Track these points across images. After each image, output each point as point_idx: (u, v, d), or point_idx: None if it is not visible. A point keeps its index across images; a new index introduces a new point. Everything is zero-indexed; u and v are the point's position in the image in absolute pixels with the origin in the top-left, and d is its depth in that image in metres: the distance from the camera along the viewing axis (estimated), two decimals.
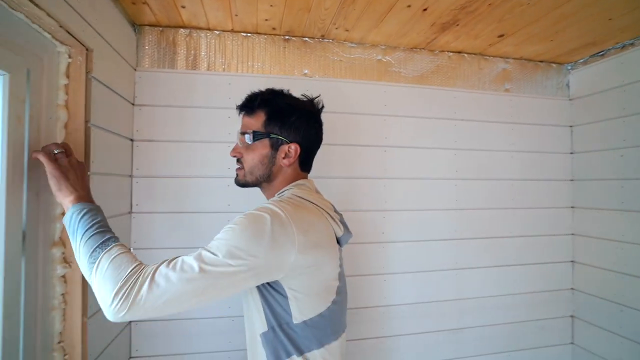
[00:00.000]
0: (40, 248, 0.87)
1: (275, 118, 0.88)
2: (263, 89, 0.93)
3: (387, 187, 1.51)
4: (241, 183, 0.93)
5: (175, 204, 1.32)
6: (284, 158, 0.88)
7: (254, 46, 1.42)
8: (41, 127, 0.88)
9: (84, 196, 0.79)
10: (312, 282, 0.79)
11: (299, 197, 0.84)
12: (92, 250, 0.70)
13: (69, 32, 0.88)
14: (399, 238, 1.52)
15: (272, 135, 0.87)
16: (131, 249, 1.28)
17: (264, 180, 0.91)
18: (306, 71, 1.47)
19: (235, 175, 0.94)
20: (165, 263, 0.69)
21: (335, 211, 0.92)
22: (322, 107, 0.96)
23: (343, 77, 1.50)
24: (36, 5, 0.76)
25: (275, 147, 0.88)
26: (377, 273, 1.49)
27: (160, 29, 1.34)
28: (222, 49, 1.39)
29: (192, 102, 1.34)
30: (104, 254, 0.70)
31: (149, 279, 0.66)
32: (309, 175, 0.97)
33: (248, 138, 0.89)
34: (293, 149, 0.88)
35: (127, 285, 0.66)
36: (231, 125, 1.36)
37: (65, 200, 0.77)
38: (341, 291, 0.86)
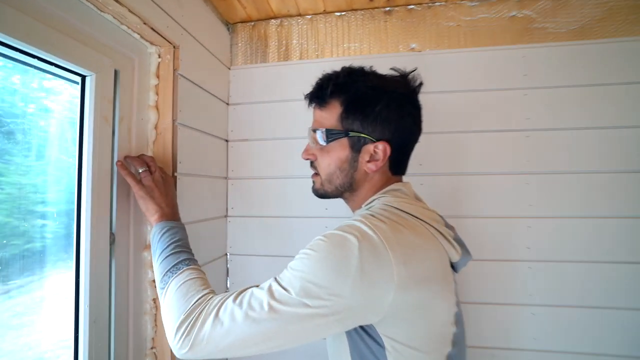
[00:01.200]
0: (131, 251, 0.85)
1: (355, 109, 0.65)
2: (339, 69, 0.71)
3: (532, 185, 1.10)
4: (319, 193, 0.74)
5: (270, 207, 1.22)
6: (368, 162, 0.66)
7: (349, 25, 1.23)
8: (132, 128, 0.87)
9: (167, 213, 0.77)
10: (418, 329, 0.54)
11: (395, 207, 0.61)
12: (163, 273, 0.67)
13: (153, 29, 0.85)
14: (554, 256, 1.08)
15: (352, 134, 0.65)
16: (227, 254, 1.24)
17: (345, 189, 0.70)
18: (414, 45, 1.20)
19: (312, 186, 0.76)
20: (233, 295, 0.57)
21: (447, 225, 0.65)
22: (420, 84, 0.69)
23: (462, 46, 1.17)
24: (119, 3, 0.74)
25: (356, 148, 0.66)
26: (519, 303, 1.09)
27: (252, 23, 1.28)
28: (314, 34, 1.25)
29: (286, 95, 1.23)
30: (174, 278, 0.65)
31: (213, 314, 0.55)
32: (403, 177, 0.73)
33: (321, 137, 0.68)
34: (381, 149, 0.64)
35: (191, 319, 0.56)
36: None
37: (150, 219, 0.77)
38: (459, 340, 0.58)
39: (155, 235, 0.73)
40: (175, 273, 0.65)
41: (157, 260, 0.70)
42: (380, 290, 0.51)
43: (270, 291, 0.54)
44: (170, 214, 0.77)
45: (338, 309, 0.51)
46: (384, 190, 0.67)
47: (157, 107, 0.93)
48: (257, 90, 1.25)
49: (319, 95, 0.70)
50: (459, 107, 1.15)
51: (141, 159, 0.82)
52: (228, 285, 1.23)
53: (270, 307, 0.52)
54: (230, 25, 1.29)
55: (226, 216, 1.25)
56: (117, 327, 0.80)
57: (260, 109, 1.24)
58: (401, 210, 0.60)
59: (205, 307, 0.57)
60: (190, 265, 0.68)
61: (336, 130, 0.66)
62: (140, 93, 0.90)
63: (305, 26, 1.25)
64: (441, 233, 0.60)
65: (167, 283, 0.64)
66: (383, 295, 0.51)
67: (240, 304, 0.54)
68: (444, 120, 1.15)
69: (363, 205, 0.68)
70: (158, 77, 0.94)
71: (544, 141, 1.10)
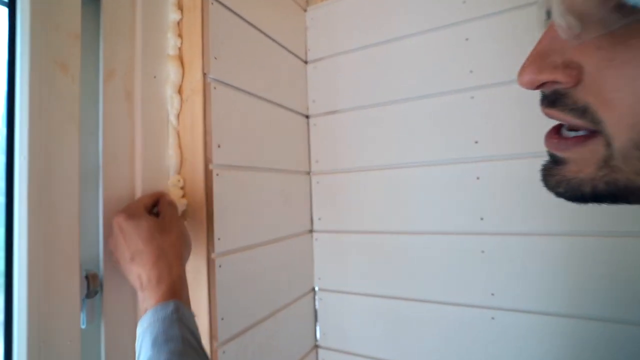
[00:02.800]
0: None
1: None
2: None
3: None
4: (586, 191, 0.22)
5: (378, 216, 0.74)
6: None
7: None
8: (134, 92, 0.51)
9: (169, 288, 0.41)
10: None
11: None
12: None
13: None
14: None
15: None
16: (316, 289, 0.80)
17: None
18: None
19: (545, 168, 0.25)
20: None
21: None
22: None
23: None
24: None
25: None
26: None
27: None
28: None
29: (395, 31, 0.74)
30: None
31: None
32: None
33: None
34: None
35: None
36: (475, 56, 0.66)
37: (140, 293, 0.43)
38: None
39: (148, 331, 0.37)
40: None
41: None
42: None
43: None
44: (175, 288, 0.41)
45: None
46: None
47: (180, 58, 0.56)
48: (350, 33, 0.79)
49: None
50: None
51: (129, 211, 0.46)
52: (318, 337, 0.79)
53: None
54: None
55: (311, 231, 0.82)
56: None
57: (356, 61, 0.78)
58: None
59: None
60: None
61: None
62: (149, 33, 0.53)
63: None
64: None
65: None
66: None
67: None
68: None
69: None
70: (181, 7, 0.56)
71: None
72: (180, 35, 0.56)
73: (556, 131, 0.24)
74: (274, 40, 0.72)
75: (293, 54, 0.79)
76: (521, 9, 0.62)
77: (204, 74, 0.54)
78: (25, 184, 0.37)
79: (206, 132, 0.54)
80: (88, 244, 0.44)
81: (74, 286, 0.40)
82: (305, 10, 0.85)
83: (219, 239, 0.53)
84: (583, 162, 0.21)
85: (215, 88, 0.55)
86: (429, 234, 0.68)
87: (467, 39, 0.67)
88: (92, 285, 0.43)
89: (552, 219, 0.59)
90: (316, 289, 0.81)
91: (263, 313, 0.63)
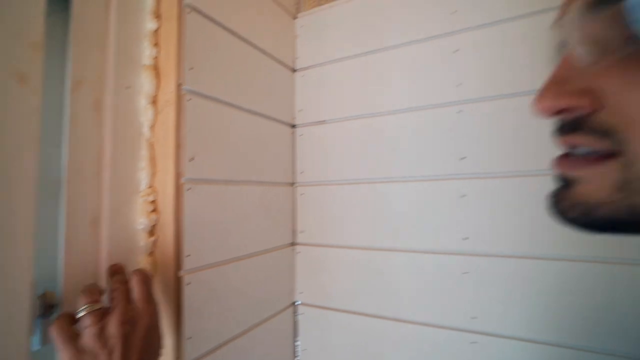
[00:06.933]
0: None
1: None
2: None
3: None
4: (599, 218, 0.21)
5: (364, 231, 0.72)
6: None
7: None
8: (103, 103, 0.49)
9: None
10: None
11: None
12: None
13: None
14: None
15: None
16: (296, 303, 0.78)
17: None
18: None
19: (555, 195, 0.24)
20: None
21: None
22: None
23: None
24: None
25: None
26: None
27: None
28: None
29: (385, 41, 0.71)
30: None
31: None
32: None
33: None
34: None
35: None
36: (464, 69, 0.63)
37: None
38: None
39: None
40: None
41: None
42: None
43: None
44: None
45: None
46: None
47: (156, 68, 0.54)
48: (340, 41, 0.77)
49: None
50: None
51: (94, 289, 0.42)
52: (298, 354, 0.77)
53: None
54: None
55: (293, 244, 0.80)
56: None
57: (345, 70, 0.76)
58: None
59: None
60: None
61: None
62: (123, 42, 0.52)
63: None
64: None
65: None
66: None
67: None
68: None
69: None
70: (158, 16, 0.55)
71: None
72: (157, 45, 0.55)
73: (566, 156, 0.23)
74: (259, 48, 0.70)
75: (280, 62, 0.77)
76: (513, 20, 0.60)
77: (178, 85, 0.53)
78: None
79: (178, 145, 0.52)
80: (47, 260, 0.43)
81: (24, 306, 0.38)
82: (295, 18, 0.83)
83: (188, 255, 0.51)
84: (600, 181, 0.20)
85: (190, 99, 0.54)
86: (411, 251, 0.66)
87: (456, 51, 0.64)
88: (48, 304, 0.41)
89: (540, 242, 0.56)
90: (297, 303, 0.79)
91: (237, 330, 0.61)
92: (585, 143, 0.21)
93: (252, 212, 0.67)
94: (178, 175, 0.52)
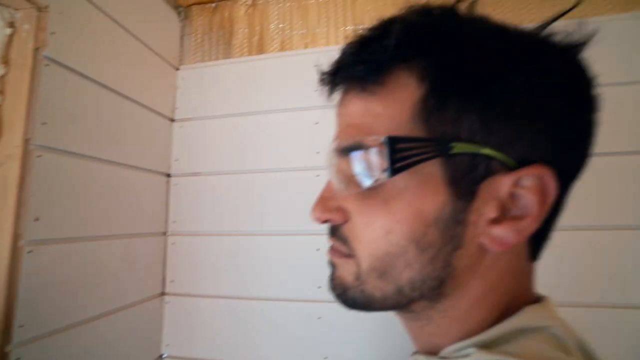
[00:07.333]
0: None
1: (462, 86, 0.23)
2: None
3: None
4: (354, 299, 0.28)
5: (234, 282, 0.75)
6: (495, 222, 0.23)
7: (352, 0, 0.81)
8: None
9: None
10: None
11: None
12: None
13: None
14: None
15: (457, 146, 0.22)
16: (163, 356, 0.76)
17: (422, 295, 0.25)
18: None
19: (329, 276, 0.30)
20: None
21: None
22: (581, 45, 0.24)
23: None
24: None
25: (466, 184, 0.23)
26: None
27: (213, 5, 0.88)
28: (302, 13, 0.83)
29: (259, 105, 0.79)
30: None
31: None
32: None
33: (367, 165, 0.25)
34: (533, 185, 0.22)
35: None
36: (322, 139, 0.75)
37: None
38: None
39: None
40: None
41: None
42: None
43: None
44: None
45: None
46: (521, 315, 0.24)
47: (0, 119, 0.51)
48: (219, 98, 0.82)
49: (367, 60, 0.25)
50: None
51: None
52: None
53: None
54: (182, 9, 0.89)
55: (163, 294, 0.78)
56: None
57: (222, 127, 0.81)
58: None
59: None
60: None
61: (417, 140, 0.23)
62: None
63: (288, 3, 0.84)
64: None
65: None
66: None
67: None
68: None
69: (468, 341, 0.24)
70: (6, 61, 0.52)
71: None
72: (2, 93, 0.51)
73: (332, 248, 0.31)
74: (133, 100, 0.71)
75: (157, 112, 0.78)
76: None
77: (26, 140, 0.50)
78: None
79: (20, 204, 0.49)
80: None
81: None
82: (177, 69, 0.86)
83: (21, 326, 0.47)
84: (346, 270, 0.28)
85: (40, 156, 0.51)
86: (276, 300, 0.72)
87: (316, 123, 0.76)
88: None
89: None
90: (164, 356, 0.76)
91: None
92: (335, 245, 0.30)
93: (114, 266, 0.64)
94: (16, 237, 0.48)
